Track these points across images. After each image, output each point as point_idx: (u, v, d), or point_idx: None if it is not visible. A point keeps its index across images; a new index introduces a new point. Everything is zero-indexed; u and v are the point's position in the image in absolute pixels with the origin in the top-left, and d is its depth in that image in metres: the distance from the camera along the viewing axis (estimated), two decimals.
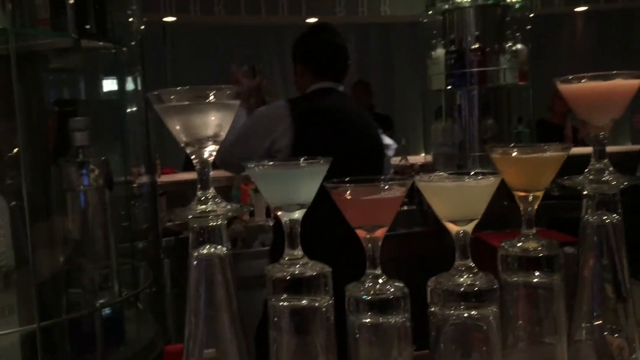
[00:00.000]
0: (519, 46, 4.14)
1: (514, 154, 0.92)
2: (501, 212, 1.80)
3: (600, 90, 0.90)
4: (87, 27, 1.36)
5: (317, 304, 0.88)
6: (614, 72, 0.89)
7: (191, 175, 3.90)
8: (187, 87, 0.83)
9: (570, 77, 0.93)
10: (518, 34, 4.18)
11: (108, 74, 1.70)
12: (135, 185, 1.72)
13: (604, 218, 0.95)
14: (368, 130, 2.48)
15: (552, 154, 0.91)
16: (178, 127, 0.83)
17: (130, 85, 1.67)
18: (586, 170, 0.94)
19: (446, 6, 4.16)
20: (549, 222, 3.23)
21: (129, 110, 1.71)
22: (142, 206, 1.71)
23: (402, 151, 4.70)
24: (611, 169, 0.93)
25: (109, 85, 1.76)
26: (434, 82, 4.25)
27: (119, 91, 1.67)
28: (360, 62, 7.31)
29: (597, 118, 0.92)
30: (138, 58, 1.63)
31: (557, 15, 6.55)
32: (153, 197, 1.69)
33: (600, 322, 1.01)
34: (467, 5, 4.11)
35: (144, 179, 1.68)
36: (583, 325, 1.01)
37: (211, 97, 0.82)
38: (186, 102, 0.82)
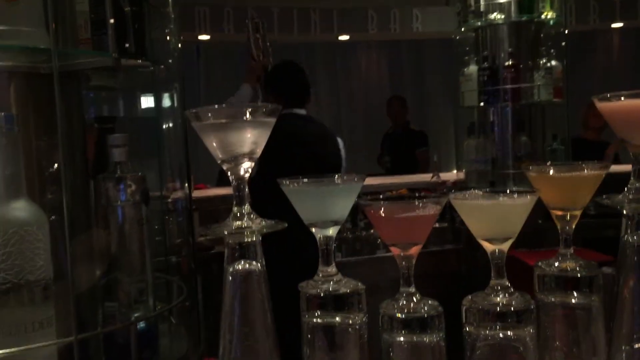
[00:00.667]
0: (553, 62, 4.09)
1: (551, 172, 0.91)
2: (535, 230, 1.77)
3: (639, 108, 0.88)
4: (127, 46, 1.40)
5: (350, 321, 0.88)
6: None
7: (224, 191, 3.95)
8: (224, 105, 0.84)
9: (609, 94, 0.91)
10: (552, 51, 4.13)
11: (146, 92, 1.74)
12: (170, 200, 1.75)
13: None
14: (326, 145, 3.16)
15: (590, 172, 0.90)
16: (215, 144, 0.84)
17: (167, 102, 1.70)
18: (626, 189, 0.92)
19: (479, 23, 4.14)
20: (585, 241, 3.15)
21: (165, 126, 1.74)
22: (177, 221, 1.73)
23: (434, 168, 4.67)
24: None
25: (147, 102, 1.79)
26: (467, 98, 4.22)
27: (156, 108, 1.70)
28: (392, 78, 7.32)
29: (637, 136, 0.90)
30: (175, 75, 1.66)
31: (592, 31, 6.46)
32: (188, 212, 1.72)
33: None
34: (500, 22, 4.09)
35: (179, 194, 1.70)
36: (623, 347, 0.99)
37: (247, 115, 0.84)
38: (223, 120, 0.84)
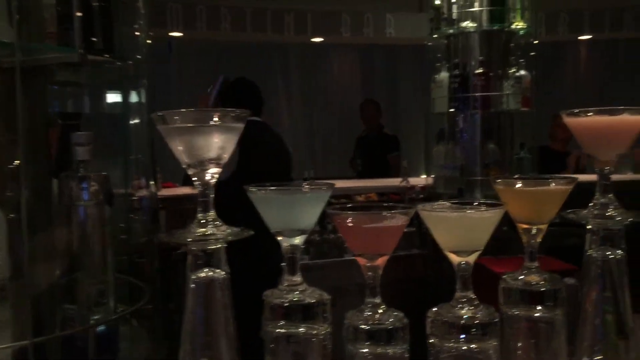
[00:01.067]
0: (522, 72, 4.14)
1: (518, 185, 0.92)
2: (501, 238, 1.78)
3: (607, 125, 0.90)
4: (94, 41, 1.36)
5: (314, 332, 0.87)
6: (621, 107, 0.88)
7: (191, 190, 3.90)
8: (192, 109, 0.82)
9: (577, 110, 0.92)
10: (522, 60, 4.19)
11: (113, 88, 1.70)
12: (135, 198, 1.71)
13: (608, 253, 0.94)
14: (281, 150, 3.51)
15: (557, 187, 0.90)
16: (181, 148, 0.82)
17: (134, 99, 1.66)
18: (590, 204, 0.93)
19: (451, 30, 4.18)
20: (548, 249, 3.21)
21: (132, 123, 1.70)
22: (142, 220, 1.70)
23: (404, 173, 4.69)
24: (616, 203, 0.92)
25: (114, 99, 1.75)
26: (437, 105, 4.25)
27: (123, 105, 1.67)
28: (366, 81, 7.34)
29: (603, 152, 0.92)
30: (143, 72, 1.63)
31: (561, 42, 6.58)
32: (153, 211, 1.68)
33: (601, 357, 1.00)
34: (471, 30, 4.13)
35: (144, 192, 1.66)
36: (584, 359, 1.00)
37: (215, 119, 0.82)
38: (190, 124, 0.82)
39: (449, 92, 4.16)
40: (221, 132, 0.83)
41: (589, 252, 0.95)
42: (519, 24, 4.16)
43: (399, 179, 4.66)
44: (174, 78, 6.66)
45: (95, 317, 1.35)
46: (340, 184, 4.97)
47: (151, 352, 1.56)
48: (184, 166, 0.83)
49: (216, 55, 6.62)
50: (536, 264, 0.93)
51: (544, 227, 0.92)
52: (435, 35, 4.28)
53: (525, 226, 0.92)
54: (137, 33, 1.65)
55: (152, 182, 1.67)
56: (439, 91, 4.24)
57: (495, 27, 4.13)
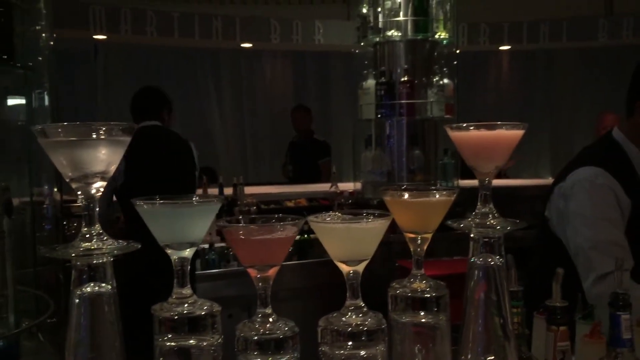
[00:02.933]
0: (445, 80, 4.28)
1: (405, 197, 0.95)
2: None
3: (485, 139, 0.95)
4: None
5: (205, 343, 0.87)
6: (498, 122, 0.94)
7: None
8: (77, 122, 0.81)
9: (462, 124, 0.97)
10: (445, 69, 4.33)
11: (15, 94, 1.64)
12: (45, 206, 1.66)
13: (489, 260, 0.99)
14: (180, 150, 3.58)
15: (440, 198, 0.95)
16: (64, 162, 0.81)
17: (37, 104, 1.61)
18: (473, 213, 0.98)
19: (377, 39, 4.27)
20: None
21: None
22: (47, 229, 1.65)
23: (333, 178, 4.74)
24: (496, 213, 0.98)
25: (16, 104, 1.69)
26: (365, 111, 4.33)
27: (27, 110, 1.62)
28: (297, 87, 7.37)
29: (483, 165, 0.97)
30: (45, 76, 1.58)
31: (483, 52, 6.84)
32: (56, 220, 1.64)
33: (492, 357, 1.05)
34: (397, 39, 4.24)
35: (48, 201, 1.62)
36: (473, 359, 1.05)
37: (101, 133, 0.81)
38: (74, 138, 0.80)
39: (376, 99, 4.25)
40: (107, 146, 0.82)
41: (472, 259, 1.00)
42: (442, 34, 4.30)
43: (329, 185, 4.71)
44: (101, 82, 6.49)
45: None
46: (271, 189, 4.98)
47: None
48: (67, 180, 0.82)
49: (144, 59, 6.50)
50: (422, 271, 0.97)
51: (428, 236, 0.96)
52: (362, 43, 4.37)
53: (411, 235, 0.96)
54: (43, 35, 1.60)
55: (55, 190, 1.63)
56: (366, 98, 4.32)
57: (419, 37, 4.25)
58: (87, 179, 0.82)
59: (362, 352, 0.90)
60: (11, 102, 1.68)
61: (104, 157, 0.82)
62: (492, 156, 0.96)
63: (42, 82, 1.61)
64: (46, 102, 1.60)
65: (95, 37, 4.92)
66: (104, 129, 0.81)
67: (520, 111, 7.11)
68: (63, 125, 0.80)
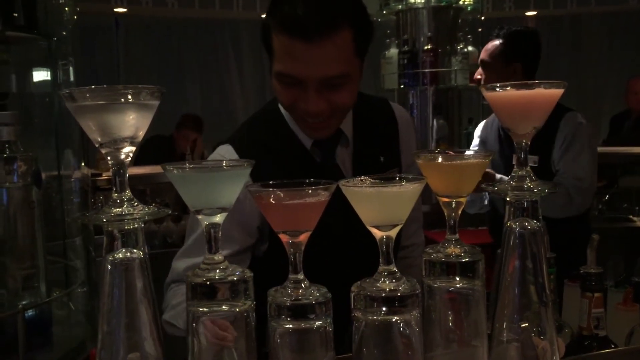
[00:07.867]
0: (470, 48, 4.20)
1: (439, 160, 0.93)
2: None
3: (523, 99, 0.91)
4: (14, 16, 1.30)
5: (237, 309, 0.87)
6: (537, 81, 0.90)
7: (141, 170, 3.83)
8: (104, 85, 0.80)
9: (497, 85, 0.93)
10: (469, 36, 4.24)
11: (40, 66, 1.64)
12: (72, 180, 1.67)
13: (526, 224, 0.96)
14: None
15: (475, 161, 0.92)
16: (93, 127, 0.80)
17: (62, 77, 1.61)
18: (509, 177, 0.95)
19: (400, 6, 4.19)
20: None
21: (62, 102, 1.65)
22: (75, 202, 1.66)
23: None
24: (533, 176, 0.95)
25: (42, 77, 1.69)
26: (387, 81, 4.28)
27: (52, 83, 1.61)
28: None
29: (520, 126, 0.93)
30: (70, 48, 1.57)
31: (508, 18, 6.68)
32: (84, 192, 1.64)
33: (526, 324, 1.03)
34: (420, 6, 4.15)
35: (77, 174, 1.62)
36: (507, 326, 1.03)
37: (129, 97, 0.80)
38: (102, 102, 0.79)
39: (399, 69, 4.19)
40: (135, 110, 0.81)
41: (508, 223, 0.97)
42: (466, 0, 4.21)
43: None
44: (122, 56, 6.49)
45: (24, 302, 1.32)
46: None
47: (88, 335, 1.54)
48: (97, 145, 0.81)
49: (165, 31, 6.47)
50: (456, 236, 0.95)
51: (463, 200, 0.93)
52: (385, 12, 4.29)
53: (445, 199, 0.94)
54: (66, 8, 1.59)
55: (82, 164, 1.63)
56: (389, 67, 4.26)
57: (443, 3, 4.16)
58: (116, 143, 0.81)
59: (396, 318, 0.89)
60: (37, 75, 1.68)
61: (133, 122, 0.81)
62: (530, 116, 0.92)
63: (66, 54, 1.60)
64: (71, 76, 1.59)
65: (116, 10, 4.90)
66: (131, 91, 0.80)
67: (546, 78, 6.93)
68: (91, 88, 0.79)
